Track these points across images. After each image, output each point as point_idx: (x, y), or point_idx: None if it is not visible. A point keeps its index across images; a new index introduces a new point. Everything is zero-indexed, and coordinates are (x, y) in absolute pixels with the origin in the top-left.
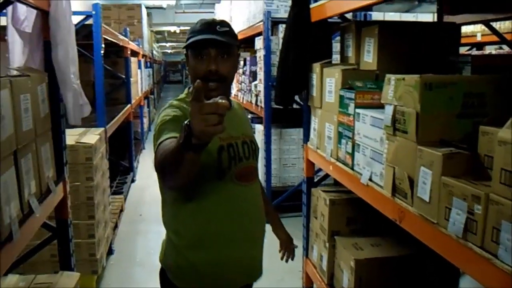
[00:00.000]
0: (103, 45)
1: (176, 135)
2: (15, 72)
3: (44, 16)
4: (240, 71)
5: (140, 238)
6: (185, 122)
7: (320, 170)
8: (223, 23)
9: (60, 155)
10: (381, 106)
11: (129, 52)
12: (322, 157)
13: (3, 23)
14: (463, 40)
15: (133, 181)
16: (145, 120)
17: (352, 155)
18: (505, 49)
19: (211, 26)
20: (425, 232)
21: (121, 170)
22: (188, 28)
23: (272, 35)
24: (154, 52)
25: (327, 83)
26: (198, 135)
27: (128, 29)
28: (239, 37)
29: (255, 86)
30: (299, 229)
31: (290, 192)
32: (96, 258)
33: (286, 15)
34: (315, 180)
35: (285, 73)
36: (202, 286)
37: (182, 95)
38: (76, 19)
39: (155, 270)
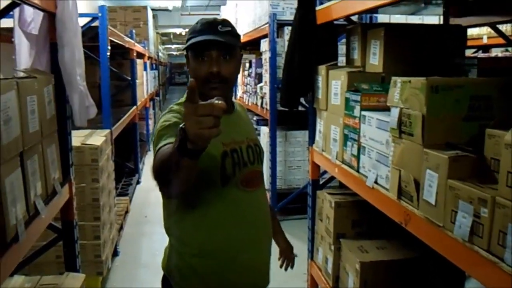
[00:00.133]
0: (109, 47)
1: None
2: (21, 74)
3: (50, 18)
4: (246, 73)
5: (145, 240)
6: (180, 125)
7: (325, 172)
8: (225, 23)
9: (66, 156)
10: (387, 109)
11: (135, 54)
12: (327, 159)
13: (10, 25)
14: (469, 43)
15: (138, 182)
16: (151, 122)
17: (357, 157)
18: None
19: (212, 26)
20: (431, 235)
21: (127, 172)
22: None
23: (277, 37)
24: (160, 54)
25: (333, 85)
26: (192, 138)
27: (134, 31)
28: (245, 39)
29: (261, 88)
30: (304, 231)
31: (295, 194)
32: (102, 260)
33: (291, 18)
34: (321, 182)
35: (290, 75)
36: None
37: (182, 99)
38: (82, 21)
39: (160, 272)
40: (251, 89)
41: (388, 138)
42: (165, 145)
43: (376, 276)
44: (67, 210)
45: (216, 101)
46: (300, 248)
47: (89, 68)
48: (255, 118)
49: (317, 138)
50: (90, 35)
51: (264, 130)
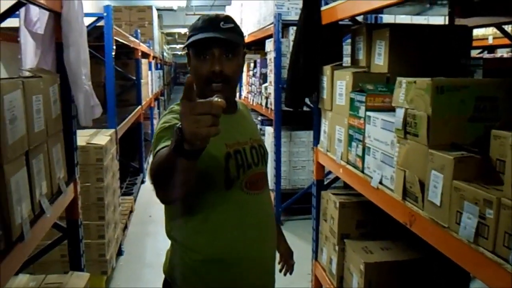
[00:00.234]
0: (114, 47)
1: None
2: (27, 73)
3: (56, 18)
4: (251, 73)
5: (150, 239)
6: (177, 125)
7: (330, 172)
8: (228, 19)
9: (71, 156)
10: (392, 109)
11: (139, 54)
12: (332, 159)
13: (16, 24)
14: (474, 43)
15: (142, 182)
16: (155, 122)
17: (362, 158)
18: None
19: (215, 22)
20: (436, 236)
21: (131, 171)
22: None
23: (282, 37)
24: (165, 53)
25: (338, 85)
26: (189, 138)
27: (139, 30)
28: (250, 39)
29: (265, 88)
30: (309, 231)
31: (299, 194)
32: (106, 259)
33: (296, 18)
34: (325, 183)
35: (295, 75)
36: None
37: None
38: (87, 20)
39: None
40: (256, 89)
41: (393, 139)
42: (164, 147)
43: (380, 277)
44: (72, 209)
45: (216, 99)
46: (304, 248)
47: (94, 68)
48: (259, 118)
49: (321, 138)
50: (95, 34)
51: (269, 130)
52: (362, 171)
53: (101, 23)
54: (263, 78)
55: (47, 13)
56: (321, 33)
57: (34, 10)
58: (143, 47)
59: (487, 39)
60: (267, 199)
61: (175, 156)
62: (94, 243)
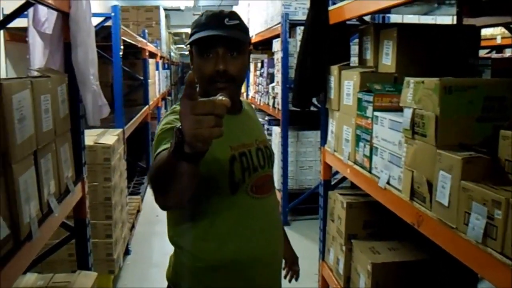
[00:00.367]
0: (121, 47)
1: None
2: (35, 73)
3: (64, 18)
4: (258, 73)
5: (157, 239)
6: (177, 126)
7: (337, 173)
8: (233, 15)
9: (79, 155)
10: (399, 109)
11: (147, 54)
12: (339, 160)
13: (25, 24)
14: (482, 43)
15: None
16: None
17: (370, 158)
18: None
19: (219, 19)
20: (443, 237)
21: (138, 171)
22: None
23: (290, 37)
24: (172, 53)
25: (345, 85)
26: (189, 140)
27: (146, 30)
28: (257, 39)
29: (273, 88)
30: (316, 232)
31: (306, 194)
32: (113, 258)
33: (304, 17)
34: (332, 183)
35: (302, 75)
36: None
37: None
38: (95, 20)
39: None
40: (263, 89)
41: (400, 139)
42: (164, 149)
43: (387, 277)
44: (80, 208)
45: (220, 97)
46: (311, 248)
47: (102, 68)
48: (266, 118)
49: (329, 138)
50: (103, 34)
51: (276, 130)
52: (370, 171)
53: (108, 23)
54: (270, 78)
55: (55, 13)
56: (328, 33)
57: (42, 10)
58: (151, 47)
59: (495, 39)
60: (274, 202)
61: (175, 160)
62: (102, 242)
